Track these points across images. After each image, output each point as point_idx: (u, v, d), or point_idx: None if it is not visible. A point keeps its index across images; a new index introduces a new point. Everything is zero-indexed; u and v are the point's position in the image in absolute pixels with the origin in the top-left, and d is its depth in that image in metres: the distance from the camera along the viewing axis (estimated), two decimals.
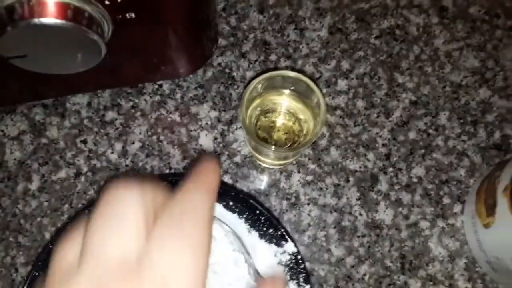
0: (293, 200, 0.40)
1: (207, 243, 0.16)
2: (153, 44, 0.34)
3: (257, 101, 0.36)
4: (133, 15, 0.29)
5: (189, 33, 0.36)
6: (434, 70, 0.44)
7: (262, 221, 0.34)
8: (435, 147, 0.42)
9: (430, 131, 0.42)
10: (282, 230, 0.33)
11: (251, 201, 0.34)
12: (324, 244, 0.39)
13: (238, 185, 0.40)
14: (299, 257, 0.33)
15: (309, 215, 0.39)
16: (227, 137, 0.41)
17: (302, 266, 0.32)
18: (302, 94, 0.36)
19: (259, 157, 0.39)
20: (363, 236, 0.39)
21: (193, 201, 0.17)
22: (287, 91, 0.36)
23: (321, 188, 0.40)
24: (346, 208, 0.40)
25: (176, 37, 0.34)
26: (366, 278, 0.38)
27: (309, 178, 0.40)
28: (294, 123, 0.39)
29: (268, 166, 0.40)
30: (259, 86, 0.34)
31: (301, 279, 0.33)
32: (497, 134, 0.42)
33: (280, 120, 0.39)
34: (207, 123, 0.41)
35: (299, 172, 0.41)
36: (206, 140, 0.41)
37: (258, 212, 0.34)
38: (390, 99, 0.43)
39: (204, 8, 0.35)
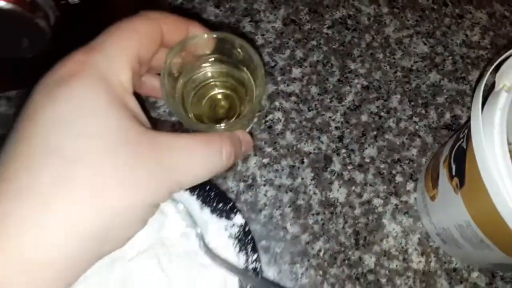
0: (249, 182, 0.41)
1: None
2: (101, 31, 0.36)
3: (181, 82, 0.29)
4: (76, 0, 0.30)
5: None
6: (385, 56, 0.46)
7: (212, 196, 0.35)
8: (387, 128, 0.43)
9: (382, 113, 0.44)
10: (231, 203, 0.34)
11: None
12: (280, 222, 0.40)
13: None
14: (246, 228, 0.34)
15: (265, 195, 0.41)
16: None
17: (249, 237, 0.33)
18: (232, 58, 0.29)
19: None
20: (318, 214, 0.40)
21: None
22: (212, 59, 0.30)
23: (276, 170, 0.41)
24: (301, 188, 0.41)
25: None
26: (321, 254, 0.39)
27: (265, 160, 0.42)
28: (233, 92, 0.33)
29: None
30: (174, 62, 0.27)
31: (249, 249, 0.33)
32: (448, 115, 0.44)
33: (218, 95, 0.33)
34: (164, 111, 0.43)
35: (255, 155, 0.42)
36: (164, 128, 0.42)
37: (208, 187, 0.35)
38: (343, 84, 0.45)
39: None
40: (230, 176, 0.41)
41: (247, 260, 0.34)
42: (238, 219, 0.34)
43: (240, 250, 0.34)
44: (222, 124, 0.26)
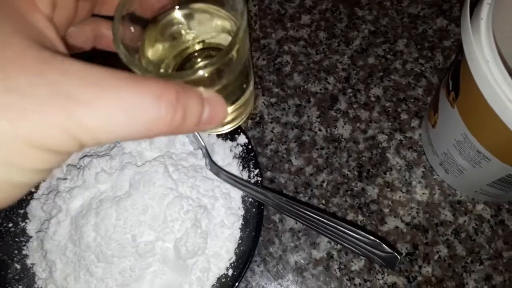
0: (257, 119, 0.43)
1: None
2: None
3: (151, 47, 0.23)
4: None
5: None
6: (393, 4, 0.47)
7: None
8: (393, 70, 0.44)
9: (389, 56, 0.45)
10: None
11: None
12: (285, 156, 0.41)
13: None
14: (250, 146, 0.35)
15: (272, 131, 0.42)
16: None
17: (252, 154, 0.35)
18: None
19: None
20: (322, 148, 0.41)
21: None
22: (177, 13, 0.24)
23: (283, 109, 0.43)
24: (307, 125, 0.42)
25: None
26: (324, 185, 0.40)
27: (273, 100, 0.44)
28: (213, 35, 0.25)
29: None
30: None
31: (251, 165, 0.35)
32: (454, 57, 0.44)
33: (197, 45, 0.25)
34: None
35: (263, 95, 0.44)
36: None
37: None
38: (350, 30, 0.46)
39: None
40: None
41: (249, 176, 0.35)
42: (242, 139, 0.36)
43: (243, 167, 0.36)
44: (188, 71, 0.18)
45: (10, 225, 0.34)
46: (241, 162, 0.36)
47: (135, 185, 0.32)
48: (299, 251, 0.38)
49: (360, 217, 0.39)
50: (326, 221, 0.30)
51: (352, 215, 0.39)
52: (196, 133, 0.36)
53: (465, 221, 0.38)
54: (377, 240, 0.29)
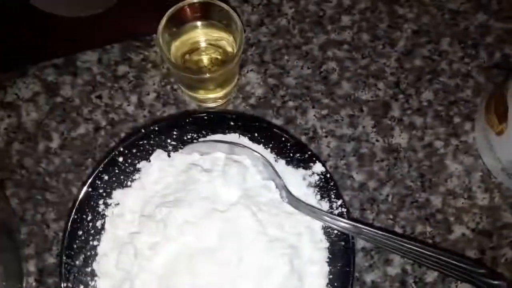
0: (311, 134, 0.41)
1: None
2: None
3: (176, 44, 0.37)
4: None
5: None
6: (432, 0, 0.45)
7: (289, 147, 0.35)
8: (440, 71, 0.43)
9: (434, 57, 0.43)
10: (309, 152, 0.34)
11: (275, 130, 0.35)
12: (346, 171, 0.40)
13: None
14: (328, 175, 0.34)
15: (328, 146, 0.41)
16: (239, 80, 0.42)
17: (332, 184, 0.34)
18: (214, 19, 0.36)
19: (200, 96, 0.40)
20: (382, 160, 0.40)
21: None
22: (199, 23, 0.37)
23: (336, 120, 0.41)
24: (363, 136, 0.41)
25: None
26: (390, 198, 0.39)
27: (324, 112, 0.42)
28: (219, 50, 0.39)
29: (211, 102, 0.41)
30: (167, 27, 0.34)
31: (333, 196, 0.34)
32: (497, 54, 0.44)
33: (205, 56, 0.40)
34: None
35: (313, 107, 0.42)
36: None
37: (283, 139, 0.35)
38: (393, 30, 0.44)
39: None
40: (290, 130, 0.41)
41: (331, 206, 0.34)
42: (318, 167, 0.34)
43: (322, 197, 0.34)
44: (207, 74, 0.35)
45: (81, 287, 0.31)
46: (318, 192, 0.34)
47: (225, 235, 0.29)
48: (374, 269, 0.38)
49: (429, 228, 0.39)
50: (429, 252, 0.30)
51: (421, 227, 0.39)
52: (267, 162, 0.34)
53: None
54: (482, 270, 0.29)
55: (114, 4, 0.31)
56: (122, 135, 0.40)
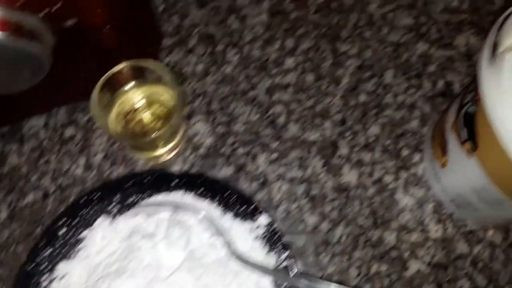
0: (261, 179, 0.41)
1: None
2: (98, 53, 0.34)
3: (115, 108, 0.37)
4: (72, 22, 0.29)
5: (130, 35, 0.36)
6: (373, 34, 0.46)
7: (234, 200, 0.35)
8: (385, 105, 0.44)
9: (379, 91, 0.44)
10: (253, 204, 0.35)
11: (219, 184, 0.35)
12: (298, 215, 0.40)
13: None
14: (273, 227, 0.34)
15: (279, 190, 0.41)
16: (187, 132, 0.42)
17: (278, 235, 0.34)
18: (148, 78, 0.37)
19: (146, 155, 0.40)
20: (333, 200, 0.41)
21: None
22: (131, 84, 0.38)
23: (286, 164, 0.42)
24: (313, 178, 0.41)
25: (111, 40, 0.35)
26: (343, 239, 0.40)
27: (274, 156, 0.42)
28: (161, 107, 0.39)
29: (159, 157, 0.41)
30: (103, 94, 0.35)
31: (279, 247, 0.34)
32: (441, 82, 0.45)
33: (146, 114, 0.40)
34: None
35: (263, 152, 0.42)
36: None
37: (228, 192, 0.35)
38: (336, 68, 0.45)
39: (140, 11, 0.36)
40: (241, 177, 0.41)
41: (278, 258, 0.34)
42: (263, 219, 0.34)
43: (270, 250, 0.34)
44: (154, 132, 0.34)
45: None
46: (265, 244, 0.34)
47: None
48: None
49: (384, 267, 0.39)
50: None
51: (376, 266, 0.39)
52: (211, 220, 0.34)
53: (479, 250, 0.39)
54: None
55: (45, 76, 0.31)
56: (71, 199, 0.40)
